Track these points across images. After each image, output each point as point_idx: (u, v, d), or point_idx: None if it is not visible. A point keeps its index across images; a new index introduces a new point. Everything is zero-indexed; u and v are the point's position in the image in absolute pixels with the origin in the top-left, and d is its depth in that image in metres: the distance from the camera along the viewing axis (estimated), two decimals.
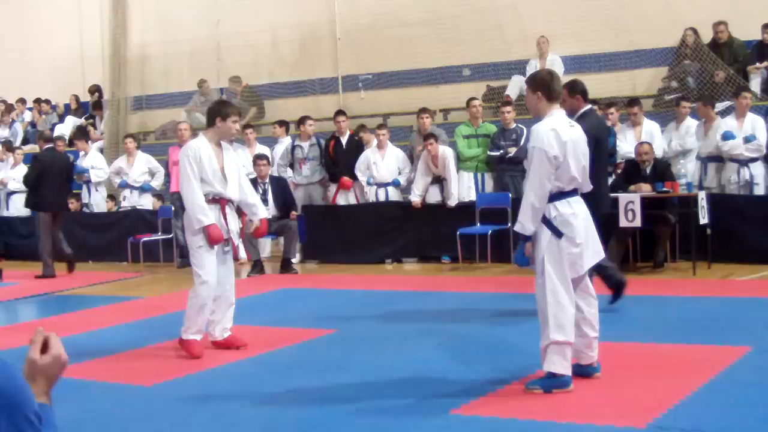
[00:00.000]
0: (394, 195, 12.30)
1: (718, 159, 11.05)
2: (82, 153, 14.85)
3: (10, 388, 1.91)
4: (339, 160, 12.52)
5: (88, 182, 14.63)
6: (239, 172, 6.92)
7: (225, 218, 6.77)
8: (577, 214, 5.24)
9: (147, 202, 13.92)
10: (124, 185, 13.90)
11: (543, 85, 5.27)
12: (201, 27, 15.81)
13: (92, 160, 14.68)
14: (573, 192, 5.28)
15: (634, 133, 11.12)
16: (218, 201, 6.75)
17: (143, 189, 13.85)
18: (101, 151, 15.94)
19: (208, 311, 6.79)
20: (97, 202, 14.66)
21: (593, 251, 5.35)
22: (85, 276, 12.09)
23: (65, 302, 10.31)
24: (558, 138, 5.14)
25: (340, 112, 12.89)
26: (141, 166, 13.82)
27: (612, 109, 11.47)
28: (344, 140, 12.61)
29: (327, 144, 12.68)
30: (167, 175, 13.00)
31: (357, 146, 12.57)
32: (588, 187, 5.41)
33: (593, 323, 5.41)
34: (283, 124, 13.56)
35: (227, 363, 6.51)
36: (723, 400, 4.96)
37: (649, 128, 11.18)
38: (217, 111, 6.76)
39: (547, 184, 5.14)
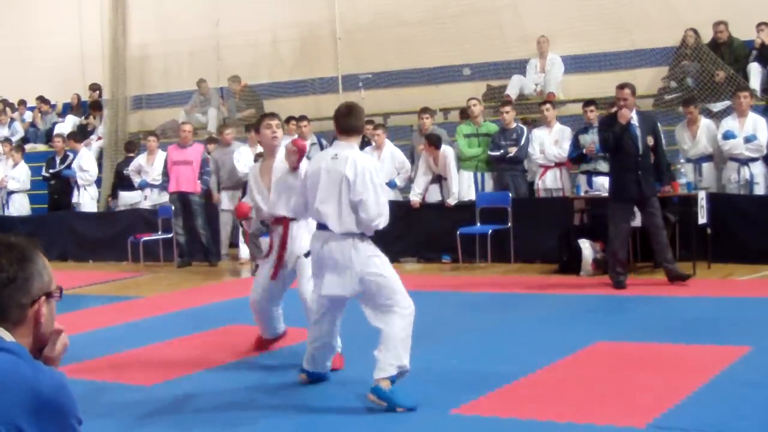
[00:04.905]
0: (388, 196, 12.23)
1: (708, 159, 11.09)
2: (80, 153, 14.81)
3: (59, 397, 2.06)
4: None
5: (77, 182, 14.58)
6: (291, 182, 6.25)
7: (285, 239, 6.30)
8: (312, 248, 5.42)
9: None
10: (144, 185, 13.67)
11: (335, 117, 5.47)
12: (201, 27, 15.79)
13: (80, 160, 14.52)
14: (324, 226, 5.31)
15: None
16: (280, 221, 6.32)
17: (163, 187, 13.65)
18: (101, 150, 15.92)
19: (263, 316, 6.69)
20: (86, 202, 14.58)
21: (327, 283, 5.32)
22: (85, 275, 12.09)
23: (65, 302, 10.10)
24: (311, 165, 5.55)
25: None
26: (161, 165, 13.38)
27: (613, 109, 11.43)
28: None
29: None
30: (165, 174, 12.89)
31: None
32: (338, 225, 5.23)
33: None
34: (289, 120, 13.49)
35: (227, 362, 6.51)
36: (723, 400, 4.96)
37: None
38: (254, 127, 6.87)
39: (297, 202, 5.68)
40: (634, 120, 8.85)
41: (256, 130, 6.67)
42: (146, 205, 13.72)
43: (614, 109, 9.23)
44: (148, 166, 13.64)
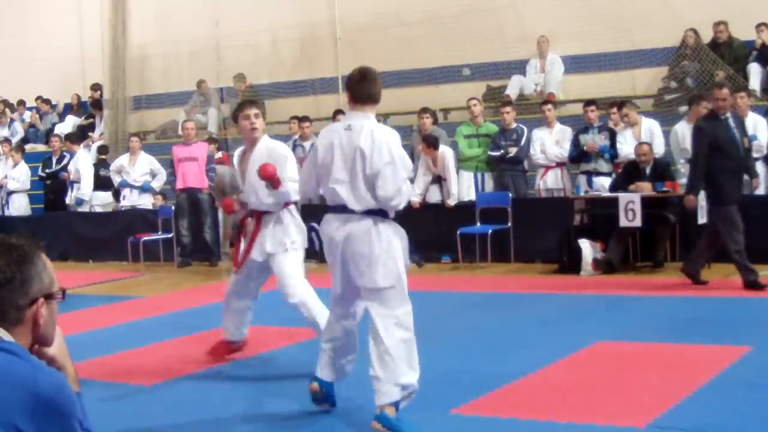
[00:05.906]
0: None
1: None
2: (76, 156, 14.79)
3: (59, 398, 2.04)
4: None
5: (72, 182, 14.55)
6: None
7: (256, 232, 6.06)
8: (325, 231, 4.91)
9: (146, 202, 13.82)
10: (124, 185, 13.77)
11: (348, 85, 4.93)
12: (201, 27, 15.80)
13: (76, 164, 14.42)
14: (340, 208, 4.80)
15: (633, 132, 11.04)
16: (257, 213, 6.10)
17: (143, 189, 13.79)
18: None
19: (225, 310, 6.46)
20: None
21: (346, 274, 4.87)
22: (85, 275, 12.09)
23: (65, 301, 10.23)
24: (321, 139, 4.95)
25: (339, 112, 12.90)
26: (143, 167, 13.71)
27: (614, 109, 11.43)
28: None
29: None
30: (172, 174, 12.95)
31: None
32: (356, 203, 4.76)
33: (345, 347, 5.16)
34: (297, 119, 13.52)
35: (227, 362, 6.51)
36: (723, 400, 4.96)
37: (648, 126, 11.11)
38: (232, 117, 6.52)
39: (306, 182, 5.12)
40: (731, 122, 8.72)
41: (234, 121, 6.30)
42: (126, 205, 13.79)
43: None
44: (130, 166, 13.73)
